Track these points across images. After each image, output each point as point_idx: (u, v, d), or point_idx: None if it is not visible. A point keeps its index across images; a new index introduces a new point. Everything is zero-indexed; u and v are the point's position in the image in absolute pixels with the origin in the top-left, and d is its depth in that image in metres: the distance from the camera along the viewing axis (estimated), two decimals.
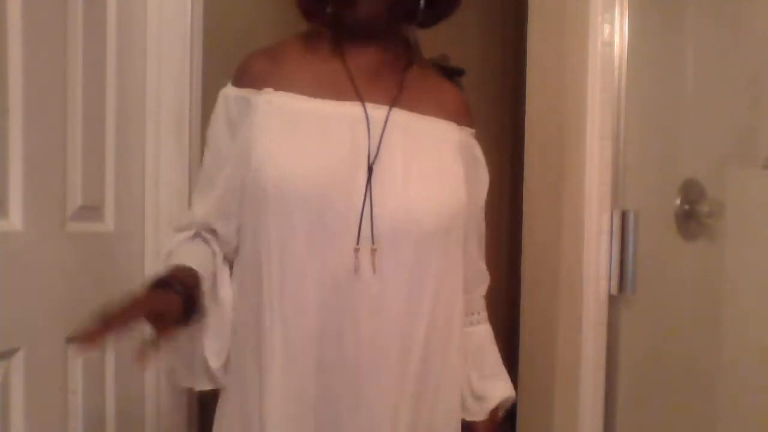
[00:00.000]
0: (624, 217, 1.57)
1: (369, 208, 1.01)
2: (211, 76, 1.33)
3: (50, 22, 1.08)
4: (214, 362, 1.04)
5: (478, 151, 1.17)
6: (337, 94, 1.05)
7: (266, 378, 1.03)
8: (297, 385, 1.02)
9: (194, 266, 1.00)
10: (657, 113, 1.75)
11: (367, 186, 1.01)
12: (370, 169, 1.02)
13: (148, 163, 1.33)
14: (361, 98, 1.06)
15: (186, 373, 1.07)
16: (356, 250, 1.00)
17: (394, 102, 1.07)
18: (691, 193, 1.80)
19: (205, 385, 1.07)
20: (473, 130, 1.17)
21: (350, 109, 1.05)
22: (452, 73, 3.08)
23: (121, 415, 1.26)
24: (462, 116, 1.15)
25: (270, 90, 1.05)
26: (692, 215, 1.80)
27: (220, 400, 1.10)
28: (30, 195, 1.03)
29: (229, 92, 1.08)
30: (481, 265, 1.22)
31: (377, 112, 1.05)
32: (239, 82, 1.07)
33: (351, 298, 1.00)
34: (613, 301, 1.59)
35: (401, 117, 1.07)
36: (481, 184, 1.18)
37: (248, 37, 1.57)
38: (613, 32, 1.57)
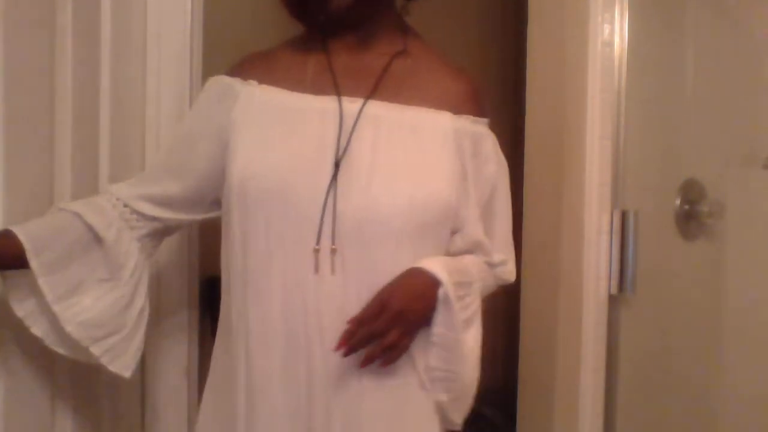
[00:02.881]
0: (624, 217, 1.57)
1: (332, 206, 0.98)
2: (211, 76, 1.34)
3: (36, 22, 1.07)
4: (79, 332, 1.01)
5: (485, 142, 1.09)
6: (317, 89, 1.05)
7: (235, 377, 1.04)
8: (263, 389, 1.01)
9: (26, 236, 0.96)
10: (657, 113, 1.75)
11: (331, 183, 0.99)
12: (336, 166, 0.99)
13: (148, 163, 1.33)
14: (338, 92, 1.04)
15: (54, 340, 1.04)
16: (316, 250, 0.98)
17: (371, 93, 1.04)
18: (691, 193, 1.80)
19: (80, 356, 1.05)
20: (482, 119, 1.10)
21: (325, 103, 1.04)
22: None
23: (116, 411, 1.27)
24: (463, 104, 1.08)
25: (254, 82, 1.07)
26: (692, 215, 1.80)
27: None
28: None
29: (218, 78, 1.10)
30: (479, 241, 1.11)
31: (352, 105, 1.03)
32: (230, 72, 1.10)
33: (315, 299, 0.98)
34: (613, 301, 1.59)
35: (377, 109, 1.03)
36: (483, 177, 1.09)
37: (248, 36, 1.57)
38: (613, 32, 1.57)
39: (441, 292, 0.99)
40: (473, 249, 1.11)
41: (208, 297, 1.46)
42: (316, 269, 0.98)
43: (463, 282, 1.03)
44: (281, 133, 1.03)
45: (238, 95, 1.06)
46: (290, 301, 0.99)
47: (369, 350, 0.96)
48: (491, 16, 3.22)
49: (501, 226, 1.15)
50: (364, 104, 1.03)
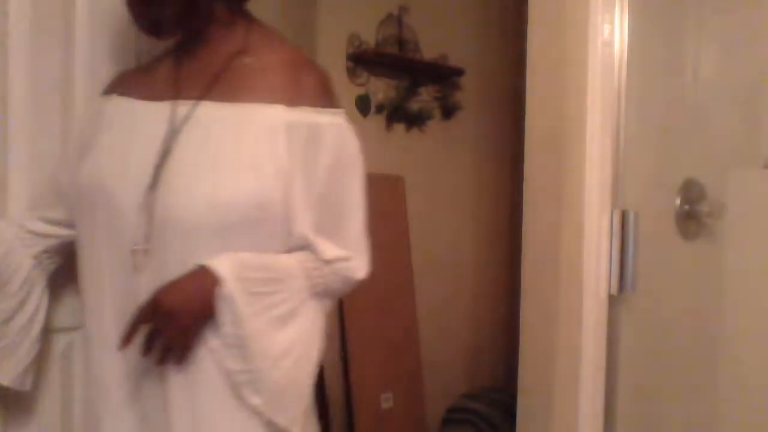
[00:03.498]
0: (624, 217, 1.57)
1: (147, 208, 1.01)
2: None
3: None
4: None
5: (325, 133, 1.06)
6: (161, 95, 1.09)
7: (89, 369, 1.11)
8: (105, 378, 1.06)
9: None
10: (657, 113, 1.75)
11: (151, 186, 1.01)
12: (157, 169, 1.02)
13: None
14: (175, 96, 1.07)
15: None
16: (134, 251, 1.01)
17: (202, 95, 1.06)
18: (691, 193, 1.80)
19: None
20: (325, 110, 1.07)
21: (161, 108, 1.07)
22: (452, 73, 3.08)
23: None
24: (301, 96, 1.05)
25: (114, 96, 1.13)
26: (692, 215, 1.80)
27: None
28: None
29: (93, 99, 1.16)
30: (304, 236, 1.06)
31: (183, 108, 1.06)
32: (102, 91, 1.16)
33: (134, 297, 1.01)
34: (613, 301, 1.59)
35: (208, 110, 1.05)
36: (320, 169, 1.06)
37: None
38: (613, 32, 1.57)
39: (223, 290, 0.97)
40: (304, 246, 1.07)
41: None
42: (135, 269, 1.02)
43: (268, 278, 1.01)
44: (117, 141, 1.07)
45: (103, 111, 1.12)
46: (118, 300, 1.04)
47: (155, 350, 0.99)
48: (491, 16, 3.23)
49: (348, 221, 1.11)
50: (192, 107, 1.06)
